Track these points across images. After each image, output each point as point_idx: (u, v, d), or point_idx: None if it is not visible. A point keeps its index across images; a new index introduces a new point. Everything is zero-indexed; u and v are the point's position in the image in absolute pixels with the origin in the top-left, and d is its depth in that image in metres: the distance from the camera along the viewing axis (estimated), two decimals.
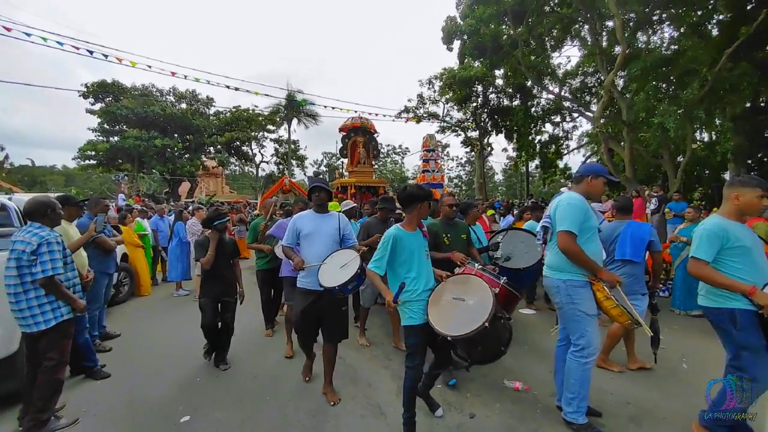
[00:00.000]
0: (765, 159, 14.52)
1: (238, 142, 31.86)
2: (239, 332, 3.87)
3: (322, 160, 44.60)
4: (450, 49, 19.07)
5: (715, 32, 12.33)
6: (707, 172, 17.39)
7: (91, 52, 11.60)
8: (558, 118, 21.67)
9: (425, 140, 18.81)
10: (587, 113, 17.82)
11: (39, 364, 2.59)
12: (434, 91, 24.18)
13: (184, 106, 30.27)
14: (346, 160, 15.71)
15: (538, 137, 22.32)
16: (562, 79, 19.70)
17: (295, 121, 30.50)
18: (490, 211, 8.99)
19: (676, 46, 13.15)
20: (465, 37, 17.46)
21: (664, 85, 13.23)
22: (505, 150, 29.70)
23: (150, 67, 13.01)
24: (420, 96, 24.59)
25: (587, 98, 20.15)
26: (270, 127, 32.69)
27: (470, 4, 16.78)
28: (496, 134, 23.99)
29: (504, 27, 16.82)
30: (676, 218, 7.03)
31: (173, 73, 13.98)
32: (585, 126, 22.89)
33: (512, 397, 3.05)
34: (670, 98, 12.14)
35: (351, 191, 13.52)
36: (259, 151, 35.15)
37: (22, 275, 2.48)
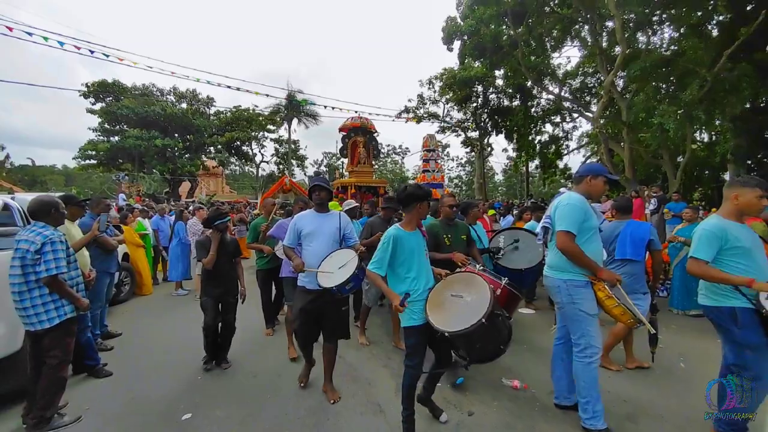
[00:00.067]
0: (765, 159, 14.54)
1: (238, 142, 31.94)
2: (240, 331, 3.89)
3: (322, 160, 44.69)
4: (450, 50, 19.12)
5: (715, 33, 12.35)
6: (707, 172, 17.44)
7: (92, 52, 11.65)
8: (558, 119, 21.73)
9: (425, 140, 18.83)
10: (587, 113, 17.85)
11: (42, 362, 2.62)
12: (434, 92, 24.27)
13: (184, 105, 30.37)
14: (346, 160, 15.75)
15: (538, 137, 22.39)
16: (562, 80, 19.74)
17: (295, 121, 30.56)
18: (491, 211, 9.02)
19: (675, 47, 13.18)
20: (465, 37, 17.51)
21: (663, 86, 13.26)
22: (505, 150, 29.81)
23: (151, 67, 13.07)
24: (420, 96, 24.68)
25: (587, 98, 20.20)
26: (270, 127, 32.76)
27: (470, 5, 16.82)
28: (496, 134, 24.05)
29: (504, 27, 16.85)
30: (675, 218, 7.05)
31: (173, 73, 14.04)
32: (585, 126, 22.94)
33: (510, 395, 3.08)
34: (669, 99, 12.17)
35: (351, 191, 13.55)
36: (260, 151, 35.27)
37: (26, 274, 2.52)
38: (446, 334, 2.23)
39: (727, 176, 14.94)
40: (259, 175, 36.83)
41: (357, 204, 5.25)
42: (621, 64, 13.26)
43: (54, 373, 2.60)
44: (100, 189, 33.90)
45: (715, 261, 2.27)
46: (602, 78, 15.83)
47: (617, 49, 13.86)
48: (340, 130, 15.31)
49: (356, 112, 17.41)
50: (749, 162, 14.05)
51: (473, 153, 28.37)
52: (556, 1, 15.76)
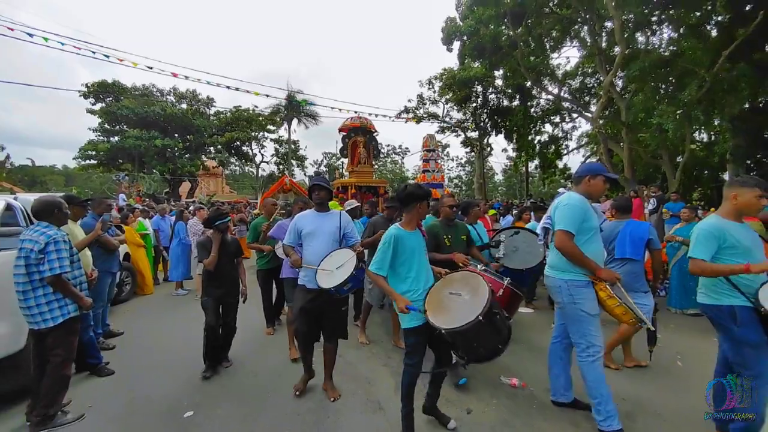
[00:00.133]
0: (764, 159, 14.57)
1: (238, 142, 31.95)
2: (241, 331, 3.92)
3: (322, 160, 44.74)
4: (450, 50, 19.18)
5: (714, 33, 12.38)
6: (706, 172, 17.46)
7: (93, 53, 11.68)
8: (557, 119, 21.76)
9: (425, 140, 18.87)
10: (586, 114, 17.90)
11: (46, 361, 2.65)
12: (434, 92, 24.33)
13: (184, 106, 30.38)
14: (346, 160, 15.78)
15: (538, 137, 22.42)
16: (562, 80, 19.77)
17: (295, 122, 30.60)
18: (492, 211, 9.05)
19: (674, 47, 13.22)
20: (464, 38, 17.55)
21: (662, 86, 13.29)
22: (504, 150, 29.86)
23: (151, 68, 13.09)
24: (420, 96, 24.73)
25: (586, 99, 20.24)
26: (270, 127, 32.78)
27: (470, 5, 16.87)
28: (496, 135, 24.10)
29: (503, 28, 16.90)
30: (674, 218, 7.07)
31: (174, 74, 14.05)
32: (584, 126, 22.99)
33: (508, 393, 3.11)
34: (668, 99, 12.21)
35: (351, 191, 13.58)
36: (260, 151, 35.29)
37: (30, 273, 2.55)
38: (443, 331, 2.23)
39: (726, 176, 14.97)
40: (259, 175, 36.86)
41: (359, 204, 5.24)
42: (620, 64, 13.29)
43: (58, 371, 2.63)
44: (100, 189, 33.91)
45: (714, 260, 2.28)
46: (601, 78, 15.87)
47: (616, 49, 13.90)
48: (340, 130, 15.33)
49: (356, 112, 17.44)
50: (748, 162, 14.07)
51: (473, 153, 28.44)
52: (556, 2, 15.80)
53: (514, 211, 9.32)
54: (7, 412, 2.90)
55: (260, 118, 31.52)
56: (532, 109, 21.36)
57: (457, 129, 25.93)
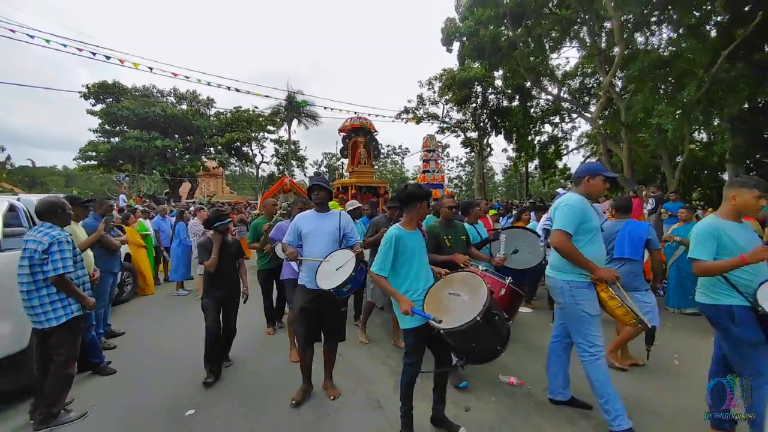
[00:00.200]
0: (764, 159, 14.59)
1: (238, 143, 32.01)
2: (241, 330, 3.94)
3: (322, 161, 44.80)
4: (450, 51, 19.22)
5: (713, 34, 12.41)
6: (705, 172, 17.50)
7: (94, 54, 11.71)
8: (557, 119, 21.80)
9: (425, 140, 18.92)
10: (586, 114, 17.93)
11: (50, 360, 2.69)
12: (434, 92, 24.39)
13: (184, 107, 30.44)
14: (346, 161, 15.82)
15: (538, 138, 22.46)
16: (561, 80, 19.81)
17: (295, 122, 30.65)
18: (493, 211, 9.08)
19: (674, 48, 13.25)
20: (464, 38, 17.58)
21: (662, 87, 13.32)
22: (504, 150, 29.89)
23: (151, 69, 13.14)
24: (420, 97, 24.79)
25: (586, 99, 20.27)
26: (270, 127, 32.83)
27: (469, 6, 16.91)
28: (496, 135, 24.13)
29: (503, 28, 16.94)
30: (672, 218, 7.10)
31: (175, 75, 14.09)
32: (584, 126, 23.02)
33: (507, 391, 3.14)
34: (667, 99, 12.24)
35: (352, 191, 13.62)
36: (260, 152, 35.37)
37: (34, 273, 2.58)
38: (441, 331, 2.24)
39: (725, 176, 15.00)
40: (259, 175, 36.93)
41: (360, 204, 5.25)
42: (619, 64, 13.33)
43: (61, 370, 2.67)
44: (101, 190, 33.94)
45: (714, 260, 2.29)
46: (601, 78, 15.92)
47: (616, 49, 13.94)
48: (340, 131, 15.39)
49: (355, 113, 17.48)
50: (748, 162, 14.10)
51: (473, 153, 28.49)
52: (555, 2, 15.84)
53: (514, 212, 9.34)
54: (12, 410, 2.94)
55: (260, 119, 31.59)
56: (532, 110, 21.40)
57: (456, 129, 25.98)
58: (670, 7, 12.25)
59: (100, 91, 26.95)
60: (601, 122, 15.76)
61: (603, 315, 2.57)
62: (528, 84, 19.33)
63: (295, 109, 28.66)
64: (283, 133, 33.32)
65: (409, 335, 2.46)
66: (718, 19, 12.18)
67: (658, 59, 12.24)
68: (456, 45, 18.80)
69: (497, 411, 2.85)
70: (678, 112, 11.40)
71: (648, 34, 14.27)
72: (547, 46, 17.84)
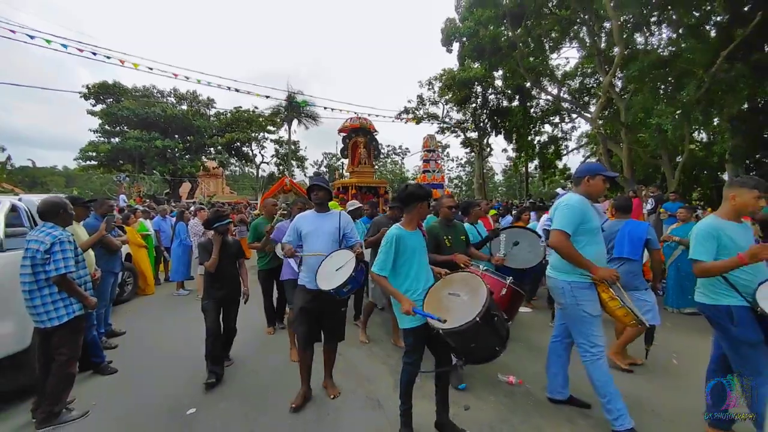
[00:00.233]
0: (764, 159, 14.61)
1: (238, 143, 32.03)
2: (241, 330, 3.95)
3: (322, 161, 44.82)
4: (450, 51, 19.22)
5: (713, 34, 12.42)
6: (705, 172, 17.51)
7: (94, 54, 11.73)
8: (557, 119, 21.81)
9: (426, 140, 18.91)
10: (586, 114, 17.94)
11: (51, 359, 2.71)
12: (434, 92, 24.40)
13: (185, 107, 30.46)
14: (346, 161, 15.84)
15: (538, 138, 22.47)
16: (561, 80, 19.82)
17: (295, 122, 30.67)
18: (493, 211, 9.09)
19: (673, 48, 13.27)
20: (464, 39, 17.59)
21: (661, 87, 13.34)
22: (505, 150, 29.89)
23: (152, 69, 13.16)
24: (420, 97, 24.81)
25: (586, 99, 20.29)
26: (270, 128, 32.85)
27: (469, 7, 16.92)
28: (496, 135, 24.14)
29: (503, 29, 16.94)
30: (671, 218, 7.11)
31: (175, 75, 14.12)
32: (584, 127, 23.04)
33: (506, 390, 3.16)
34: (667, 99, 12.26)
35: (352, 191, 13.63)
36: (260, 152, 35.37)
37: (36, 273, 2.61)
38: (440, 331, 2.24)
39: (725, 176, 15.02)
40: (260, 175, 36.96)
41: (361, 204, 5.25)
42: (619, 64, 13.34)
43: (63, 369, 2.69)
44: (101, 190, 34.00)
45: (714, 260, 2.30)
46: (601, 79, 15.93)
47: (616, 49, 13.95)
48: (340, 131, 15.39)
49: (355, 113, 17.49)
50: (748, 162, 14.12)
51: (473, 153, 28.49)
52: (555, 3, 15.85)
53: (514, 212, 9.36)
54: (14, 409, 2.96)
55: (260, 119, 31.61)
56: (532, 110, 21.41)
57: (456, 129, 26.00)
58: (669, 7, 12.26)
59: (100, 92, 26.98)
60: (600, 122, 15.77)
61: (603, 315, 2.58)
62: (528, 84, 19.34)
63: (295, 109, 28.67)
64: (283, 133, 33.37)
65: (409, 335, 2.47)
66: (718, 19, 12.20)
67: (658, 59, 12.25)
68: (456, 45, 18.80)
69: (497, 410, 2.87)
70: (678, 112, 11.42)
71: (647, 35, 14.29)
72: (547, 47, 17.85)
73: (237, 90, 16.85)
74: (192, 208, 9.90)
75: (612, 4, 12.67)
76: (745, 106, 12.48)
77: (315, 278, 2.77)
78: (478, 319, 2.16)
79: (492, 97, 23.03)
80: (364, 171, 14.83)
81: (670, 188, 12.06)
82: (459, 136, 26.60)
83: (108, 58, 12.13)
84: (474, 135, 25.68)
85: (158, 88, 30.63)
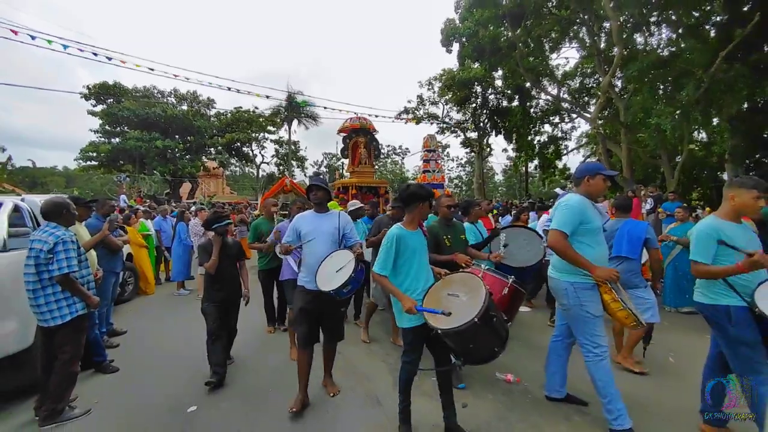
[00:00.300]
0: (763, 159, 14.64)
1: (238, 143, 32.06)
2: (241, 329, 3.97)
3: (322, 161, 44.86)
4: (449, 51, 19.24)
5: (712, 34, 12.44)
6: (705, 172, 17.53)
7: (95, 54, 11.77)
8: (557, 119, 21.84)
9: (426, 140, 18.90)
10: (585, 114, 17.97)
11: (54, 357, 2.74)
12: (434, 93, 24.44)
13: (185, 107, 30.51)
14: (346, 161, 15.86)
15: (537, 138, 22.50)
16: (561, 80, 19.85)
17: (295, 122, 30.71)
18: (494, 211, 9.14)
19: (673, 48, 13.30)
20: (464, 39, 17.61)
21: (661, 87, 13.36)
22: (505, 150, 29.92)
23: (152, 70, 13.20)
24: (420, 97, 24.86)
25: (585, 99, 20.31)
26: (270, 128, 32.89)
27: (468, 7, 16.94)
28: (496, 135, 24.16)
29: (502, 29, 16.96)
30: (670, 218, 7.15)
31: (176, 75, 14.15)
32: (584, 126, 23.05)
33: (504, 388, 3.19)
34: (666, 99, 12.28)
35: (352, 191, 13.65)
36: (260, 152, 35.41)
37: (40, 272, 2.64)
38: (439, 331, 2.24)
39: (725, 176, 15.04)
40: (260, 176, 36.99)
41: (363, 205, 5.26)
42: (618, 64, 13.37)
43: (66, 367, 2.72)
44: (101, 190, 34.02)
45: (713, 260, 2.32)
46: (600, 79, 15.95)
47: (615, 50, 13.98)
48: (340, 131, 15.40)
49: (355, 113, 17.51)
50: (747, 161, 14.14)
51: (473, 153, 28.52)
52: (554, 3, 15.87)
53: (513, 212, 9.39)
54: (17, 407, 2.99)
55: (260, 119, 31.65)
56: (532, 110, 21.44)
57: (456, 130, 26.02)
58: (668, 7, 12.29)
59: (100, 92, 27.02)
60: (600, 122, 15.80)
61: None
62: (528, 84, 19.37)
63: (295, 109, 28.70)
64: (283, 133, 33.39)
65: (408, 334, 2.49)
66: (717, 19, 12.22)
67: (657, 59, 12.28)
68: (456, 46, 18.83)
69: (494, 408, 2.90)
70: (677, 112, 11.45)
71: (647, 35, 14.32)
72: (547, 47, 17.87)
73: (237, 90, 16.90)
74: (192, 209, 9.93)
75: (611, 5, 12.70)
76: (745, 106, 12.50)
77: (315, 279, 2.78)
78: (476, 319, 2.15)
79: (492, 97, 23.06)
80: (365, 171, 14.84)
81: (669, 188, 12.09)
82: (459, 136, 26.63)
83: (109, 59, 12.18)
84: (474, 135, 25.71)
85: (159, 88, 30.73)
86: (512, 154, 27.51)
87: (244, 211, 12.83)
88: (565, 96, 19.99)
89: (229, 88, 16.37)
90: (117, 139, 27.06)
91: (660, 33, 14.25)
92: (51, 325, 2.67)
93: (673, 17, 12.91)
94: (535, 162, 24.27)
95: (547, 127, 22.64)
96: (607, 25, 15.04)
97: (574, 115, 20.35)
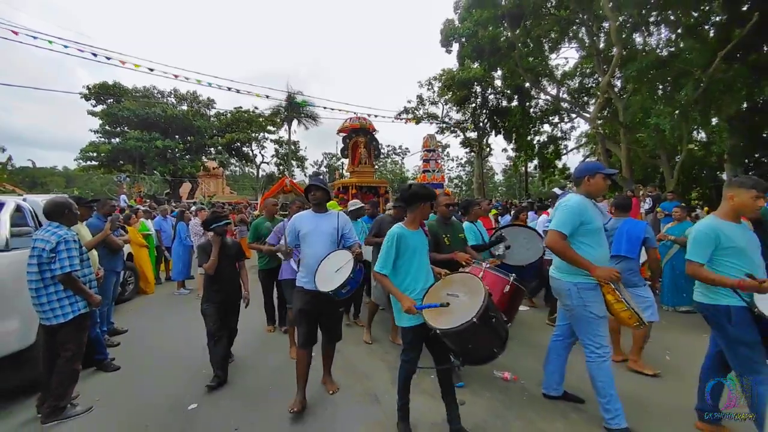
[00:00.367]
0: (763, 159, 14.67)
1: (238, 143, 32.10)
2: (241, 328, 3.99)
3: (322, 161, 44.90)
4: (449, 52, 19.26)
5: (711, 34, 12.47)
6: (704, 172, 17.56)
7: (95, 55, 11.80)
8: (556, 119, 21.87)
9: (425, 140, 18.93)
10: (585, 114, 18.00)
11: (57, 355, 2.77)
12: (433, 92, 24.48)
13: (185, 107, 30.54)
14: (346, 161, 15.89)
15: (537, 138, 22.54)
16: (560, 80, 19.88)
17: (295, 122, 30.75)
18: (494, 211, 9.17)
19: (672, 48, 13.32)
20: (463, 39, 17.63)
21: (660, 87, 13.39)
22: (505, 150, 29.94)
23: (152, 70, 13.22)
24: (419, 97, 24.90)
25: (585, 99, 20.34)
26: (270, 128, 32.92)
27: (468, 7, 16.95)
28: (495, 135, 24.21)
29: (501, 29, 16.99)
30: (668, 217, 7.18)
31: (175, 76, 14.18)
32: (583, 126, 23.09)
33: (501, 386, 3.22)
34: (665, 99, 12.31)
35: (352, 191, 13.68)
36: (260, 152, 35.46)
37: (42, 271, 2.67)
38: (437, 331, 2.25)
39: (724, 176, 15.07)
40: (260, 175, 37.03)
41: (363, 204, 5.28)
42: (617, 64, 13.40)
43: (68, 365, 2.75)
44: (101, 190, 34.06)
45: (711, 261, 2.32)
46: (600, 79, 15.97)
47: (615, 50, 14.01)
48: (340, 131, 15.43)
49: (355, 113, 17.54)
50: (747, 161, 14.16)
51: (473, 153, 28.56)
52: (553, 3, 15.89)
53: (512, 211, 9.42)
54: (19, 405, 3.02)
55: (260, 119, 31.68)
56: (531, 110, 21.47)
57: (456, 129, 26.06)
58: (667, 7, 12.31)
59: (100, 92, 27.06)
60: (599, 122, 15.82)
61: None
62: (527, 84, 19.40)
63: (295, 109, 28.75)
64: (283, 133, 33.46)
65: (407, 333, 2.50)
66: (716, 19, 12.24)
67: (656, 59, 12.31)
68: (455, 46, 18.85)
69: (491, 405, 2.93)
70: (676, 112, 11.49)
71: (646, 35, 14.34)
72: (546, 47, 17.90)
73: (237, 90, 16.93)
74: (192, 208, 9.96)
75: (610, 5, 12.72)
76: (744, 105, 12.53)
77: (313, 279, 2.79)
78: (475, 319, 2.15)
79: (491, 97, 23.12)
80: (365, 171, 14.87)
81: (668, 188, 12.12)
82: (458, 136, 26.70)
83: (108, 59, 12.21)
84: (473, 135, 25.75)
85: (158, 88, 30.78)
86: (512, 153, 27.57)
87: (244, 211, 12.85)
88: (565, 96, 20.02)
89: (229, 88, 16.43)
90: (117, 139, 27.09)
91: (659, 33, 14.29)
92: (53, 323, 2.70)
93: (672, 17, 12.94)
94: (535, 162, 24.32)
95: (547, 127, 22.73)
96: (606, 25, 15.06)
97: (574, 115, 20.39)
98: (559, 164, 23.66)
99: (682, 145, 13.06)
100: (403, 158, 46.08)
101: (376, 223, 4.35)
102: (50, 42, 10.70)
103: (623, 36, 13.60)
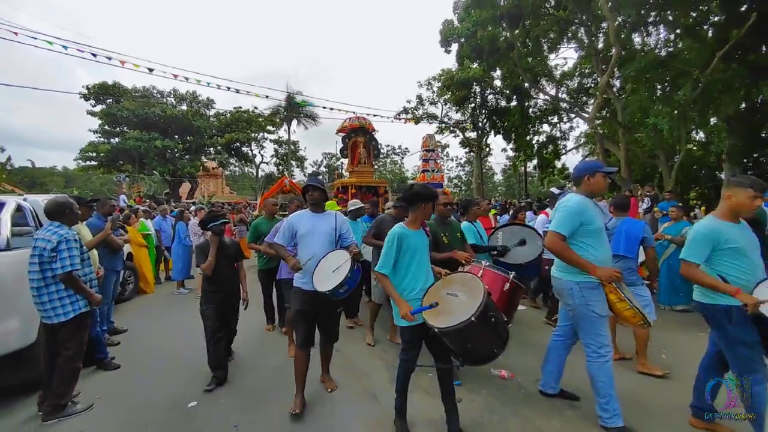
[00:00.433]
0: (761, 159, 14.70)
1: (238, 143, 32.12)
2: (241, 327, 4.00)
3: (321, 161, 44.93)
4: (448, 52, 19.28)
5: (709, 34, 12.50)
6: (703, 172, 17.60)
7: (94, 55, 11.82)
8: (555, 119, 21.91)
9: (425, 140, 18.95)
10: (584, 114, 18.03)
11: (57, 354, 2.80)
12: (433, 92, 24.49)
13: (184, 107, 30.54)
14: (346, 161, 15.90)
15: (536, 138, 22.58)
16: (559, 81, 19.91)
17: (294, 122, 30.77)
18: (493, 211, 9.21)
19: (670, 48, 13.35)
20: (462, 40, 17.66)
21: (659, 87, 13.42)
22: (504, 150, 30.00)
23: (152, 70, 13.23)
24: (419, 97, 24.92)
25: (584, 99, 20.37)
26: (270, 128, 32.93)
27: (467, 8, 16.97)
28: (494, 135, 24.24)
29: (500, 30, 17.01)
30: (666, 217, 7.21)
31: (175, 76, 14.19)
32: (582, 126, 23.12)
33: (498, 384, 3.25)
34: (664, 99, 12.34)
35: (352, 191, 13.68)
36: (259, 152, 35.48)
37: (43, 270, 2.70)
38: (436, 330, 2.26)
39: (723, 176, 15.10)
40: (259, 175, 37.04)
41: (363, 204, 5.29)
42: (616, 65, 13.43)
43: (69, 364, 2.78)
44: (101, 190, 34.01)
45: (710, 261, 2.32)
46: (598, 79, 16.00)
47: (613, 50, 14.04)
48: (339, 131, 15.43)
49: (354, 113, 17.55)
50: (745, 161, 14.19)
51: (472, 153, 28.60)
52: (552, 3, 15.92)
53: (511, 211, 9.46)
54: (20, 403, 3.04)
55: (260, 119, 31.69)
56: (530, 110, 21.51)
57: (455, 129, 26.09)
58: (665, 7, 12.34)
59: (100, 92, 27.07)
60: (598, 122, 15.85)
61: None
62: (526, 84, 19.42)
63: (294, 109, 28.78)
64: (282, 133, 33.49)
65: (406, 332, 2.52)
66: (715, 19, 12.27)
67: (655, 60, 12.32)
68: (454, 46, 18.87)
69: (488, 402, 2.96)
70: (674, 112, 11.51)
71: (644, 35, 14.37)
72: (545, 47, 17.90)
73: (236, 90, 16.97)
74: (192, 208, 9.98)
75: (609, 5, 12.76)
76: (742, 105, 12.55)
77: (311, 279, 2.80)
78: (473, 318, 2.15)
79: (490, 97, 23.16)
80: (364, 171, 14.85)
81: (667, 188, 12.15)
82: (458, 136, 26.71)
83: (108, 59, 12.23)
84: (473, 135, 25.78)
85: (158, 88, 30.75)
86: (511, 153, 27.64)
87: (243, 211, 12.88)
88: (564, 96, 20.05)
89: (229, 88, 16.44)
90: (116, 139, 27.10)
91: (657, 33, 14.30)
92: (54, 322, 2.73)
93: (671, 18, 12.96)
94: (534, 162, 24.35)
95: (546, 127, 22.75)
96: (605, 25, 15.08)
97: (573, 115, 20.42)
98: (558, 164, 23.69)
99: (681, 145, 13.09)
100: (402, 158, 46.16)
101: (377, 222, 4.36)
102: (50, 42, 10.72)
103: (622, 36, 13.64)
